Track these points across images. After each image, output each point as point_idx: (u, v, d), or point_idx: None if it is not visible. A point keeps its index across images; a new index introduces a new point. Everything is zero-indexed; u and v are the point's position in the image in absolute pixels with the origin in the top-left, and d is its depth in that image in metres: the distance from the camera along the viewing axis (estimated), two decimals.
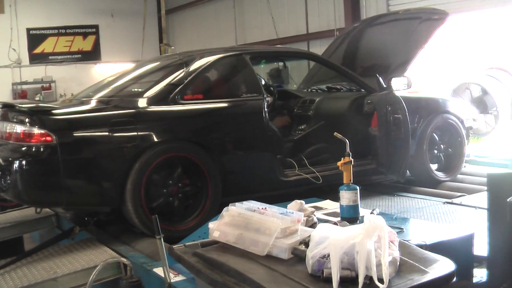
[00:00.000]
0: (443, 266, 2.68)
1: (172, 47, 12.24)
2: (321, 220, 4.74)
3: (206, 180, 6.07)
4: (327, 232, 2.57)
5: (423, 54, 11.52)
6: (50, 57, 17.99)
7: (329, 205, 5.20)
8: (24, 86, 17.46)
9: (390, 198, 7.07)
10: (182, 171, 6.02)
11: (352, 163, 4.69)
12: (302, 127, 7.82)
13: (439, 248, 3.99)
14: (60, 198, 5.63)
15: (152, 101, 6.06)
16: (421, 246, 3.87)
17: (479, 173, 8.19)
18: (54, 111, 5.69)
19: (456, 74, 11.16)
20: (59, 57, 18.04)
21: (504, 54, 11.19)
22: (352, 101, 7.27)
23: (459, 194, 6.96)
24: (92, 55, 18.06)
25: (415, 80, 11.72)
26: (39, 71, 17.61)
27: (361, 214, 4.80)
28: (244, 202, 3.18)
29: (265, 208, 3.00)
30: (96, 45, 18.34)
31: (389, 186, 7.57)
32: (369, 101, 7.16)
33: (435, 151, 7.81)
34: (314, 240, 2.60)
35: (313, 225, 3.23)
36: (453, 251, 4.10)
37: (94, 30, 18.30)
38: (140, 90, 6.35)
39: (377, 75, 7.21)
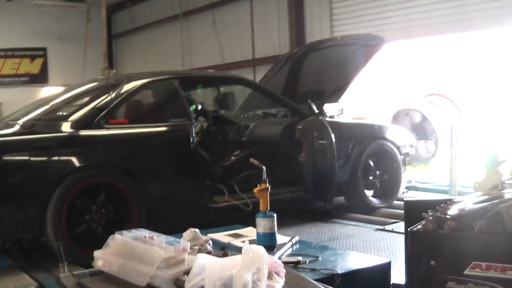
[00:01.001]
0: None
1: (114, 71, 12.08)
2: (236, 248, 4.65)
3: (130, 207, 5.93)
4: (205, 262, 2.45)
5: (368, 80, 11.67)
6: None
7: (250, 233, 5.08)
8: None
9: (323, 225, 7.03)
10: (106, 197, 5.87)
11: (269, 190, 4.60)
12: (236, 152, 7.71)
13: (353, 277, 3.93)
14: None
15: (76, 125, 5.92)
16: (332, 275, 3.81)
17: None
18: None
19: (397, 101, 11.22)
20: (6, 79, 17.71)
21: (443, 80, 11.33)
22: (285, 127, 7.21)
23: (392, 220, 6.93)
24: (40, 78, 17.78)
25: (360, 107, 11.90)
26: None
27: (280, 242, 4.72)
28: (133, 230, 3.05)
29: (152, 236, 2.88)
30: (44, 68, 18.06)
31: (324, 213, 7.51)
32: (299, 127, 7.09)
33: (371, 178, 7.76)
34: (193, 270, 2.49)
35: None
36: (369, 280, 4.03)
37: (42, 52, 18.03)
38: (65, 114, 6.19)
39: (309, 101, 7.16)
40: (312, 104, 7.11)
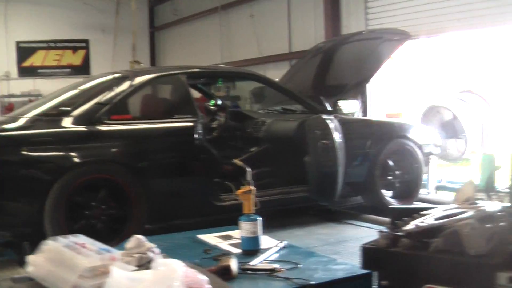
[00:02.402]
0: None
1: (142, 64, 12.06)
2: (223, 251, 4.50)
3: (131, 203, 5.85)
4: (116, 277, 2.31)
5: (403, 76, 11.39)
6: (39, 71, 17.87)
7: None
8: (12, 99, 17.33)
9: (335, 226, 6.84)
10: (107, 193, 5.81)
11: (253, 192, 4.43)
12: (254, 149, 7.55)
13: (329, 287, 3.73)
14: None
15: (77, 120, 5.89)
16: (304, 286, 3.61)
17: (441, 200, 7.86)
18: None
19: (428, 98, 10.89)
20: (48, 70, 17.90)
21: (476, 77, 10.95)
22: (299, 125, 6.97)
23: None
24: (82, 69, 17.91)
25: (395, 103, 11.61)
26: (27, 85, 17.49)
27: (267, 246, 4.56)
28: (70, 236, 2.93)
29: (84, 244, 2.75)
30: (86, 59, 18.21)
31: (340, 213, 7.33)
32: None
33: (389, 177, 7.51)
34: (106, 285, 2.35)
35: (148, 263, 2.96)
36: None
37: (84, 44, 18.17)
38: (68, 109, 6.13)
39: (321, 98, 6.95)
40: (324, 100, 6.90)
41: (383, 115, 11.18)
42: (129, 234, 5.60)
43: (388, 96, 11.49)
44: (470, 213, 2.77)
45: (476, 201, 3.11)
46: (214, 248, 4.64)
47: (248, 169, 4.52)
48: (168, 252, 4.60)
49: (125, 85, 6.23)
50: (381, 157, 7.30)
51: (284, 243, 4.61)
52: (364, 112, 10.99)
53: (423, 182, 7.90)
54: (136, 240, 3.06)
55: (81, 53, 18.21)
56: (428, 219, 2.84)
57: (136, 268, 2.77)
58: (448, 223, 2.72)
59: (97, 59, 17.84)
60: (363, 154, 7.17)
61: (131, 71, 6.69)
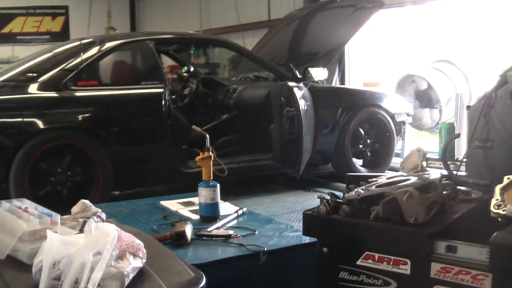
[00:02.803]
0: (191, 281, 2.41)
1: (117, 30, 11.93)
2: (183, 217, 4.52)
3: (96, 170, 5.84)
4: (48, 240, 2.30)
5: (378, 45, 11.35)
6: (18, 37, 17.64)
7: None
8: None
9: (304, 194, 6.86)
10: (73, 160, 5.81)
11: (212, 158, 4.43)
12: (224, 116, 7.54)
13: (280, 254, 3.73)
14: None
15: (43, 86, 5.87)
16: (257, 252, 3.62)
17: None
18: None
19: (404, 66, 10.86)
20: (27, 37, 17.68)
21: (452, 46, 10.92)
22: (268, 92, 6.95)
23: None
24: (61, 36, 17.61)
25: (372, 73, 11.59)
26: (6, 51, 17.28)
27: (229, 212, 4.58)
28: (14, 200, 2.92)
29: (27, 208, 2.74)
30: (65, 26, 17.94)
31: (311, 181, 7.35)
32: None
33: (360, 146, 7.52)
34: (41, 249, 2.34)
35: None
36: (297, 258, 3.81)
37: (63, 11, 17.90)
38: (35, 75, 6.08)
39: (290, 65, 6.92)
40: (293, 68, 6.87)
41: (360, 84, 11.16)
42: (95, 200, 5.66)
43: (367, 65, 11.45)
44: (412, 181, 2.78)
45: (424, 169, 3.12)
46: (174, 214, 4.66)
47: (207, 135, 4.47)
48: (128, 217, 4.64)
49: (91, 51, 6.19)
50: (351, 125, 7.30)
51: (244, 209, 4.63)
52: (342, 81, 10.98)
53: (396, 151, 7.91)
54: (82, 204, 3.06)
55: (61, 19, 17.96)
56: (371, 187, 2.84)
57: (78, 232, 2.77)
58: (388, 191, 2.72)
59: (76, 25, 17.57)
60: (333, 122, 7.16)
61: (98, 37, 6.60)
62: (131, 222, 4.43)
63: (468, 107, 4.23)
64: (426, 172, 2.95)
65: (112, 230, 2.33)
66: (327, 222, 2.82)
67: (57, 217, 2.69)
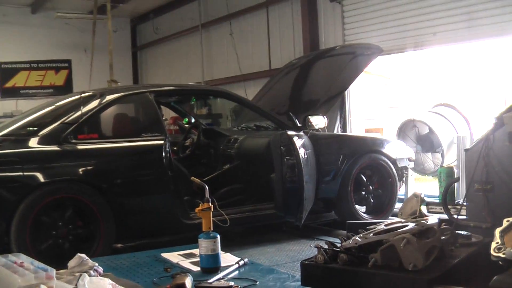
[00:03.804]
0: None
1: (119, 83, 12.01)
2: (184, 269, 4.49)
3: (98, 223, 5.83)
4: None
5: (381, 91, 11.41)
6: (21, 91, 17.78)
7: None
8: None
9: (306, 242, 6.82)
10: (74, 213, 5.81)
11: (212, 209, 4.42)
12: (226, 166, 7.54)
13: None
14: None
15: (44, 140, 5.90)
16: None
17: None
18: None
19: (405, 112, 10.91)
20: (31, 91, 17.82)
21: (452, 90, 10.98)
22: (269, 141, 6.95)
23: None
24: (64, 89, 17.73)
25: (375, 119, 11.63)
26: (10, 105, 17.39)
27: (230, 262, 4.56)
28: (10, 255, 2.91)
29: (22, 263, 2.73)
30: (69, 79, 18.10)
31: (315, 229, 7.32)
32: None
33: (363, 192, 7.50)
34: None
35: None
36: None
37: (66, 64, 18.08)
38: (36, 129, 6.11)
39: (290, 113, 6.95)
40: (293, 116, 6.91)
41: (362, 131, 11.20)
42: (97, 253, 5.64)
43: (369, 111, 11.51)
44: (409, 227, 2.76)
45: (423, 215, 3.09)
46: (176, 266, 4.64)
47: (207, 187, 4.47)
48: (129, 270, 4.62)
49: (92, 104, 6.24)
50: (353, 172, 7.29)
51: (245, 260, 4.60)
52: (344, 128, 11.01)
53: (399, 197, 7.88)
54: (79, 258, 3.04)
55: (64, 73, 18.12)
56: (369, 234, 2.82)
57: (74, 287, 2.75)
58: (386, 238, 2.70)
59: (79, 79, 17.74)
60: (335, 170, 7.17)
61: (98, 90, 6.65)
62: (132, 275, 4.40)
63: (467, 150, 4.22)
64: (424, 218, 2.93)
65: (106, 284, 2.32)
66: (325, 271, 2.79)
67: (53, 271, 2.67)
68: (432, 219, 2.86)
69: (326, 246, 2.90)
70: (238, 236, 7.16)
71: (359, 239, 2.73)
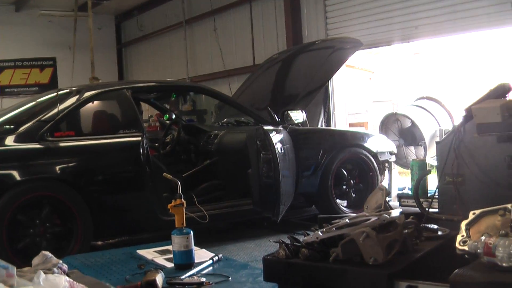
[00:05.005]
0: None
1: (100, 80, 11.95)
2: (158, 265, 4.49)
3: (75, 220, 5.81)
4: None
5: (364, 85, 11.41)
6: (6, 90, 17.67)
7: None
8: None
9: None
10: (51, 211, 5.77)
11: (184, 205, 4.41)
12: (205, 162, 7.52)
13: None
14: None
15: (20, 138, 5.85)
16: None
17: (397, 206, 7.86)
18: None
19: (388, 105, 10.93)
20: (15, 89, 17.72)
21: (435, 84, 10.99)
22: (247, 137, 6.94)
23: None
24: (49, 87, 17.57)
25: (359, 113, 11.64)
26: None
27: (204, 258, 4.56)
28: None
29: None
30: (54, 77, 18.00)
31: (295, 224, 7.30)
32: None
33: (344, 187, 7.50)
34: None
35: None
36: None
37: (51, 62, 17.98)
38: (12, 127, 6.07)
39: (268, 108, 6.94)
40: (272, 111, 6.89)
41: (346, 125, 11.21)
42: (74, 251, 5.62)
43: (353, 105, 11.52)
44: (371, 220, 2.75)
45: (388, 208, 3.09)
46: (150, 263, 4.64)
47: (179, 182, 4.45)
48: (103, 268, 4.61)
49: (68, 102, 6.20)
50: (334, 166, 7.28)
51: (219, 256, 4.60)
52: (328, 123, 11.00)
53: None
54: (43, 256, 3.03)
55: (49, 71, 18.03)
56: (331, 229, 2.81)
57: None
58: (347, 232, 2.69)
59: (64, 76, 17.60)
60: (315, 164, 7.16)
61: (75, 87, 6.61)
62: (105, 272, 4.40)
63: (438, 142, 4.23)
64: (387, 211, 2.92)
65: (62, 282, 2.30)
66: (286, 266, 2.78)
67: (13, 269, 2.65)
68: (395, 212, 2.85)
69: (288, 241, 2.89)
70: (216, 232, 7.16)
71: (321, 234, 2.72)
